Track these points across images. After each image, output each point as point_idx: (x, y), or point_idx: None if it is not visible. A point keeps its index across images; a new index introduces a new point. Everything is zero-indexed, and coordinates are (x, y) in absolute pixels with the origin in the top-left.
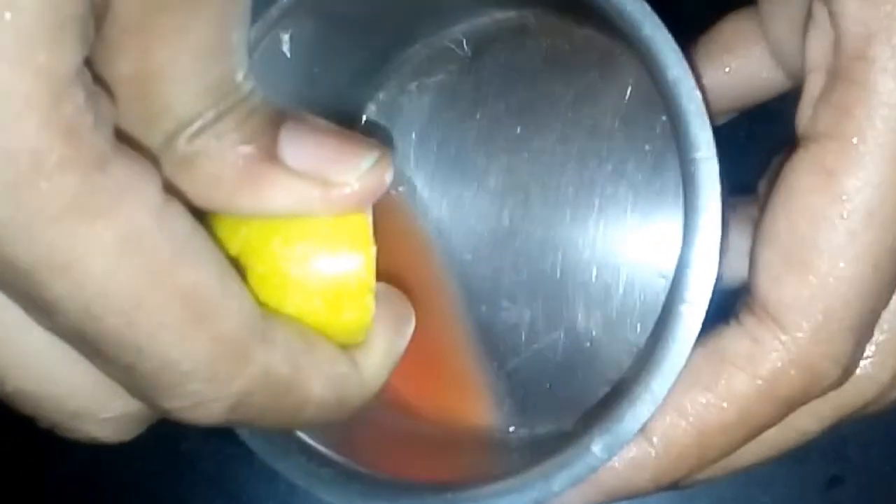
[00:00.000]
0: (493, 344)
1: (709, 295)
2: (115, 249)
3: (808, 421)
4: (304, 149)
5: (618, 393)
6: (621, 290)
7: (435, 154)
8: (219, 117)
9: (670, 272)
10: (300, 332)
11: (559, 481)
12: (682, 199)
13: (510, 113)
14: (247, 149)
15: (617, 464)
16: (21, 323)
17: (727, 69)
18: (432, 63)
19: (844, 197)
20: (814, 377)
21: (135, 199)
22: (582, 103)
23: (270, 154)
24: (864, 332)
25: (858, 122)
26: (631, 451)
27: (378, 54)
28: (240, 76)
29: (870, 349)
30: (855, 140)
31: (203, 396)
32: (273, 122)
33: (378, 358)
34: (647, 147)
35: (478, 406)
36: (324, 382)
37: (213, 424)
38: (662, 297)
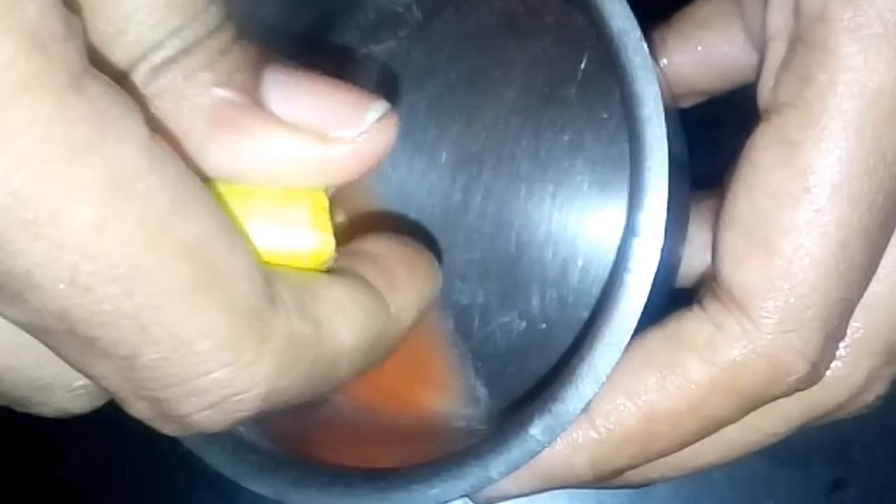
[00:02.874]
0: (444, 326)
1: (655, 263)
2: (103, 195)
3: (774, 422)
4: (295, 96)
5: (560, 371)
6: (579, 269)
7: None
8: (186, 50)
9: None
10: (301, 279)
11: (496, 467)
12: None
13: (462, 81)
14: (223, 92)
15: (555, 445)
16: None
17: (700, 47)
18: (381, 29)
19: (808, 170)
20: (778, 370)
21: (120, 131)
22: (537, 70)
23: (253, 100)
24: (833, 323)
25: (820, 88)
26: (571, 432)
27: (322, 20)
28: None
29: (842, 348)
30: (817, 108)
31: (229, 388)
32: (254, 62)
33: (404, 278)
34: (604, 115)
35: (428, 391)
36: (350, 325)
37: (242, 423)
38: None
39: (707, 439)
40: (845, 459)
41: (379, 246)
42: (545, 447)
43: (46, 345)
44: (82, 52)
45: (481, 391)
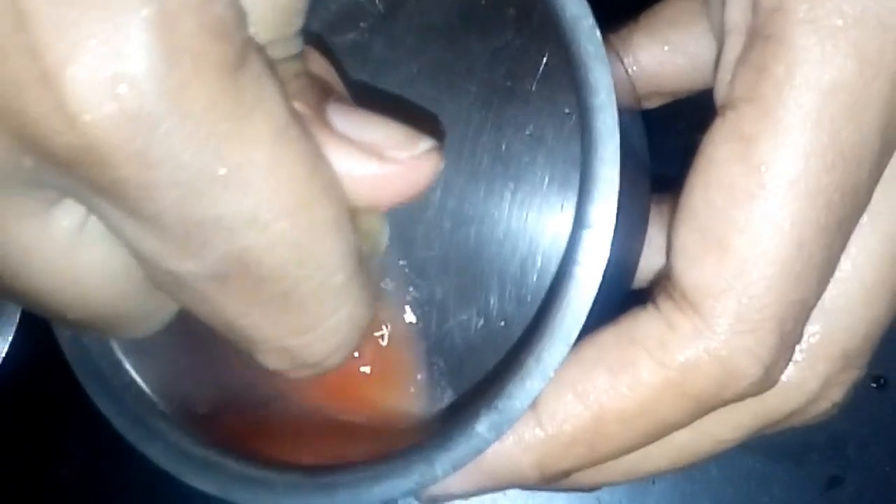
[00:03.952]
0: (402, 323)
1: (605, 256)
2: (272, 143)
3: (725, 428)
4: (357, 121)
5: (507, 366)
6: (538, 266)
7: None
8: (275, 62)
9: None
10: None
11: (441, 464)
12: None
13: (424, 74)
14: (296, 104)
15: (502, 443)
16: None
17: (666, 46)
18: (342, 20)
19: (763, 165)
20: (730, 374)
21: (272, 92)
22: (499, 63)
23: (322, 118)
24: (789, 326)
25: (776, 81)
26: (517, 430)
27: None
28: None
29: (798, 353)
30: (773, 102)
31: (352, 321)
32: (320, 89)
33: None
34: (566, 110)
35: (385, 389)
36: (376, 237)
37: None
38: None
39: (657, 443)
40: (841, 457)
41: None
42: (491, 444)
43: (208, 298)
44: (246, 34)
45: (439, 389)
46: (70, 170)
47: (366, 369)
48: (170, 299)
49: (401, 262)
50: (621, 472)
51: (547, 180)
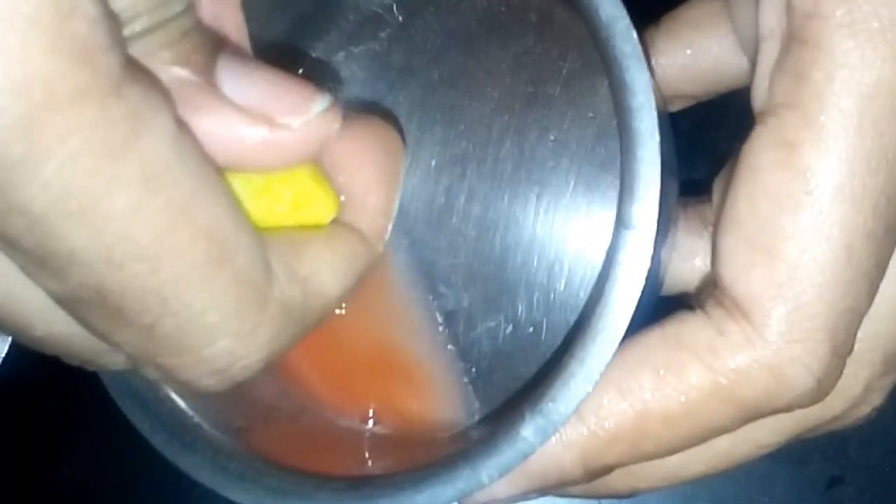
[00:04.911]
0: (429, 332)
1: (649, 256)
2: (137, 187)
3: (768, 434)
4: (246, 82)
5: (551, 370)
6: (565, 271)
7: None
8: (149, 29)
9: None
10: (286, 241)
11: (487, 470)
12: (619, 153)
13: (444, 82)
14: (180, 71)
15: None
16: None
17: (689, 49)
18: (361, 30)
19: (808, 171)
20: (780, 383)
21: (153, 129)
22: (520, 69)
23: (208, 81)
24: (840, 337)
25: (816, 86)
26: (561, 430)
27: (301, 22)
28: None
29: None
30: (814, 107)
31: (233, 356)
32: (209, 48)
33: (371, 209)
34: (590, 114)
35: (415, 398)
36: (333, 275)
37: (238, 383)
38: None
39: (697, 449)
40: (842, 457)
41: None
42: (537, 448)
43: (77, 315)
44: (123, 58)
45: (469, 397)
46: None
47: (394, 380)
48: None
49: (427, 271)
50: (660, 478)
51: (572, 185)
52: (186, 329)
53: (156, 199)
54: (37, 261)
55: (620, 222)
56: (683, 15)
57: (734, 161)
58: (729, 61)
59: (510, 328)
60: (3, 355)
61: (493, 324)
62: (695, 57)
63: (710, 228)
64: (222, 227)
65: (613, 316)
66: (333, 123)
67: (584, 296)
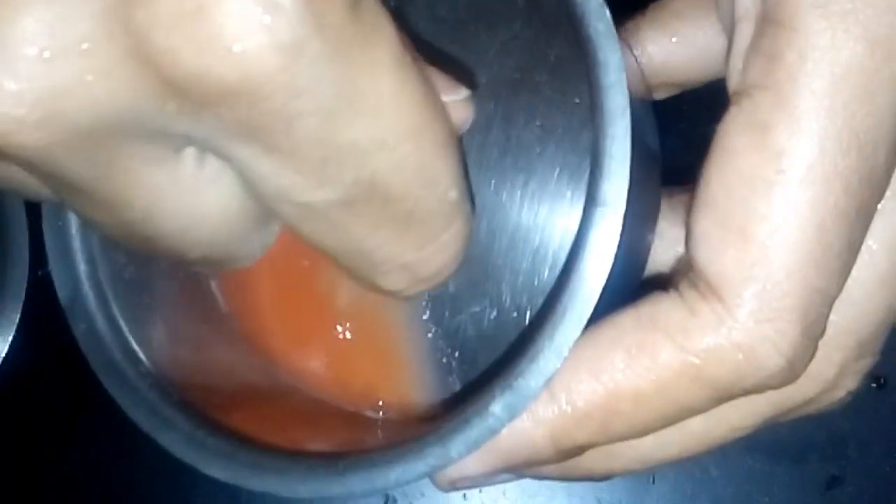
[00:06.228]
0: (414, 315)
1: (618, 233)
2: (395, 68)
3: (739, 415)
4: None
5: (521, 347)
6: (550, 257)
7: None
8: None
9: None
10: None
11: (456, 446)
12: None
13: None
14: None
15: (515, 421)
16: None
17: (674, 38)
18: None
19: (780, 152)
20: (750, 363)
21: (387, 21)
22: (508, 55)
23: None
24: (812, 317)
25: (790, 68)
26: (531, 407)
27: None
28: None
29: None
30: (787, 88)
31: (464, 239)
32: None
33: None
34: (576, 100)
35: (398, 379)
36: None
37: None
38: None
39: (670, 430)
40: (841, 457)
41: None
42: (505, 424)
43: (338, 223)
44: None
45: (453, 380)
46: (215, 109)
47: (378, 362)
48: (272, 232)
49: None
50: (634, 460)
51: (558, 171)
52: (438, 210)
53: (408, 76)
54: (314, 166)
55: (591, 200)
56: (669, 4)
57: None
58: (715, 49)
59: (495, 312)
60: (3, 355)
61: (477, 308)
62: (681, 45)
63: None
64: (444, 108)
65: (582, 292)
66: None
67: None
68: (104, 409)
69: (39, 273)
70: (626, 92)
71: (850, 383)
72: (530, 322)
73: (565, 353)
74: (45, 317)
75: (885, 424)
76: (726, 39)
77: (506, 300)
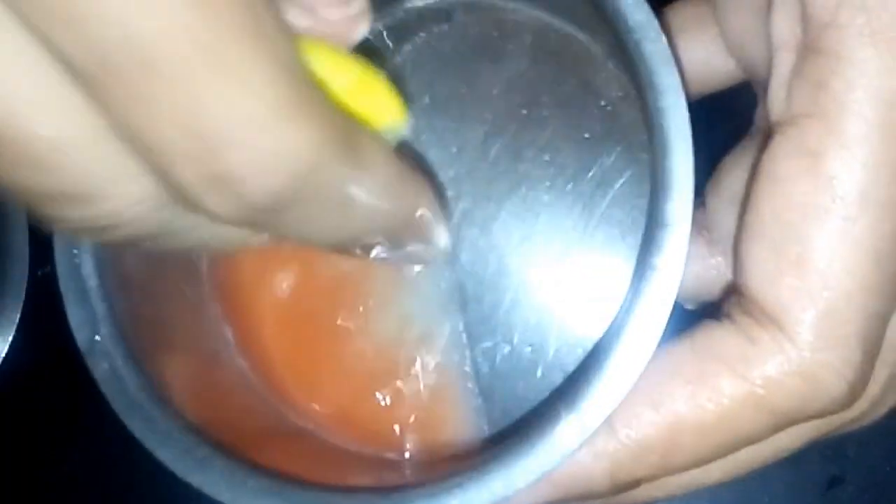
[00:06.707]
0: (430, 353)
1: (684, 254)
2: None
3: (788, 438)
4: None
5: (587, 372)
6: (560, 290)
7: None
8: None
9: (615, 264)
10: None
11: (523, 475)
12: (652, 156)
13: (436, 106)
14: None
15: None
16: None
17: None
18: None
19: (833, 179)
20: (814, 389)
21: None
22: (514, 91)
23: None
24: (871, 341)
25: (837, 95)
26: (591, 439)
27: None
28: None
29: None
30: (836, 116)
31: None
32: None
33: None
34: (585, 135)
35: (424, 422)
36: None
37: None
38: (609, 293)
39: None
40: (841, 457)
41: None
42: (573, 452)
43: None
44: None
45: (471, 416)
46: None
47: (396, 402)
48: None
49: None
50: (679, 486)
51: (570, 203)
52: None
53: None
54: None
55: (654, 221)
56: (670, 18)
57: (720, 174)
58: (715, 63)
59: (507, 348)
60: (3, 355)
61: (489, 344)
62: (681, 60)
63: (705, 233)
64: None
65: (650, 319)
66: (368, 23)
67: (580, 312)
68: (104, 409)
69: (39, 273)
70: (686, 114)
71: (891, 399)
72: (594, 348)
73: (636, 379)
74: (45, 317)
75: (885, 424)
76: (727, 54)
77: (519, 335)
